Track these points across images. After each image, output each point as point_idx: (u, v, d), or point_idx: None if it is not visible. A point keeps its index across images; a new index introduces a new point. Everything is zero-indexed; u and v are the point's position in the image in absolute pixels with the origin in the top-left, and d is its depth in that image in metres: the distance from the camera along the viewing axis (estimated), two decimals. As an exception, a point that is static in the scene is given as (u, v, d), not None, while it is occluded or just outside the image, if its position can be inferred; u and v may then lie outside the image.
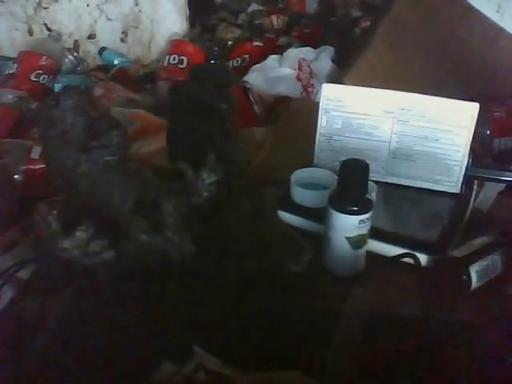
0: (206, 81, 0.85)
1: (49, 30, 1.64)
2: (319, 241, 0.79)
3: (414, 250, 0.78)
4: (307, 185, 0.89)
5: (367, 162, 0.76)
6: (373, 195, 0.83)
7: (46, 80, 1.46)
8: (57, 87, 1.47)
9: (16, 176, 0.97)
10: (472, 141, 0.87)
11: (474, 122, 0.85)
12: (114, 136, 0.73)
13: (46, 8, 1.61)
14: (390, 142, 0.90)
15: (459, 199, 0.89)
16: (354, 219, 0.74)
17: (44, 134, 0.73)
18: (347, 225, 0.75)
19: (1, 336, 0.64)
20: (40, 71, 1.45)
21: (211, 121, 0.83)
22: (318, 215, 0.80)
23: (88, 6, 1.63)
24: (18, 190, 0.96)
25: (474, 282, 0.74)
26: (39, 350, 0.61)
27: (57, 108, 0.71)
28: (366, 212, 0.75)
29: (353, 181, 0.75)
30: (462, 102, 0.86)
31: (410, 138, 0.89)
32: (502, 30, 1.35)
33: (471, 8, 1.38)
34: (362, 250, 0.77)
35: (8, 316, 0.67)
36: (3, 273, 0.76)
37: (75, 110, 0.71)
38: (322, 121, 0.92)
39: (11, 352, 0.61)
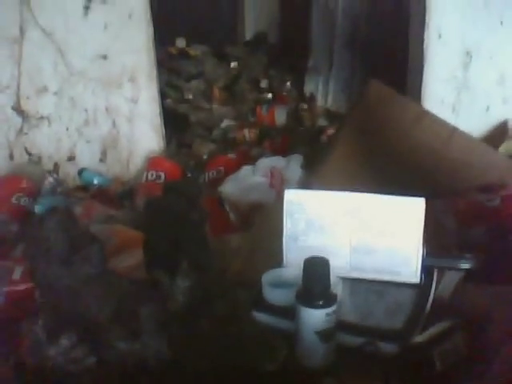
0: (178, 195, 0.93)
1: (29, 154, 1.67)
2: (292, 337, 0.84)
3: (380, 340, 0.83)
4: (278, 284, 0.94)
5: (331, 258, 0.83)
6: (338, 290, 0.88)
7: (26, 202, 1.50)
8: (37, 209, 1.49)
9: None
10: (425, 232, 0.93)
11: (423, 215, 0.92)
12: (93, 249, 0.80)
13: (26, 133, 1.65)
14: (350, 239, 0.97)
15: (420, 289, 0.94)
16: (320, 313, 0.80)
17: (29, 253, 0.79)
18: (314, 318, 0.80)
19: None
20: (20, 194, 1.50)
21: (183, 231, 0.90)
22: (290, 312, 0.85)
23: (67, 129, 1.68)
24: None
25: (438, 366, 0.78)
26: None
27: (41, 228, 0.78)
28: (331, 305, 0.80)
29: (315, 277, 0.81)
30: (409, 198, 0.93)
31: (367, 234, 0.96)
32: (455, 129, 1.46)
33: (425, 112, 1.52)
34: (331, 343, 0.82)
35: None
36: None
37: (58, 228, 0.78)
38: (287, 223, 0.99)
39: None
